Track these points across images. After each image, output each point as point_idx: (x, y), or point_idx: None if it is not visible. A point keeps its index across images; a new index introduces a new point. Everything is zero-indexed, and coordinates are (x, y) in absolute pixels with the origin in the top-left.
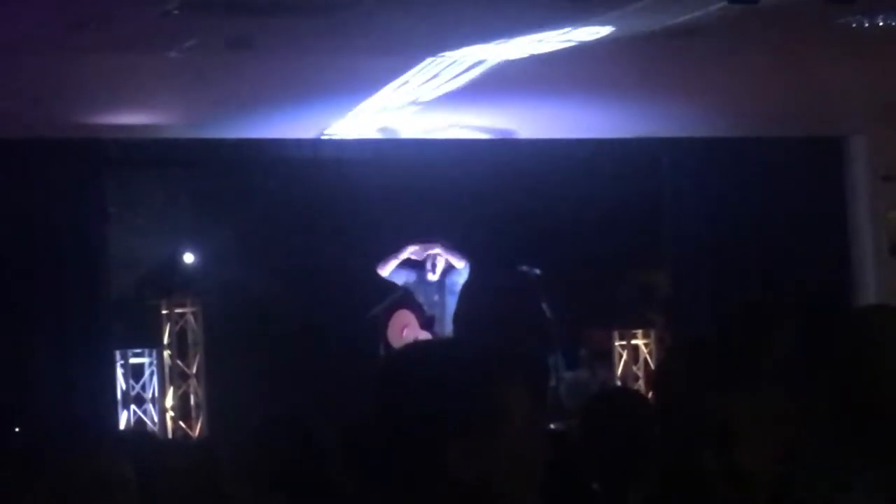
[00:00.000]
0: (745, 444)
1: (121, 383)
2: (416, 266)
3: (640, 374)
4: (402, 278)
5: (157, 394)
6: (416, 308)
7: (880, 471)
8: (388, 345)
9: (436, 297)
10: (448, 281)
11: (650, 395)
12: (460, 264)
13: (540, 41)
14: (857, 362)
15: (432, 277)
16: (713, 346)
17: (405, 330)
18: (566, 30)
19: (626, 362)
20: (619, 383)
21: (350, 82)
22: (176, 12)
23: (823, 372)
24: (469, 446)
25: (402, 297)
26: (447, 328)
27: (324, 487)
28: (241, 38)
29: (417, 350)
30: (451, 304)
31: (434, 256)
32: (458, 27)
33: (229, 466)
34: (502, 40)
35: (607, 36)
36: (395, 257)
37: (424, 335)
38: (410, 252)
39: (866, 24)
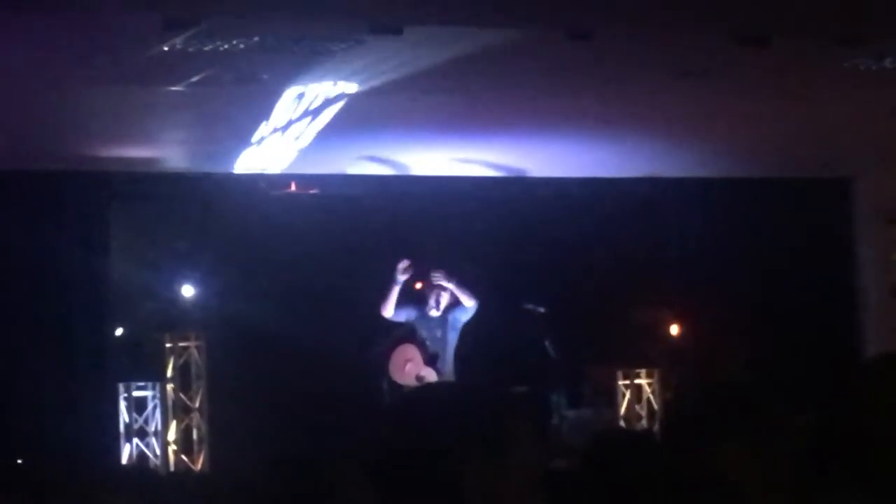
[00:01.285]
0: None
1: (124, 416)
2: (420, 301)
3: (643, 413)
4: (404, 315)
5: (159, 427)
6: (419, 343)
7: None
8: (391, 380)
9: (438, 333)
10: (451, 317)
11: (654, 434)
12: (469, 303)
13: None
14: (862, 414)
15: (435, 313)
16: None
17: (408, 365)
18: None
19: (629, 401)
20: (622, 423)
21: (351, 117)
22: (179, 47)
23: (830, 424)
24: (472, 486)
25: (405, 333)
26: (449, 365)
27: None
28: (249, 72)
29: (421, 393)
30: (453, 340)
31: (439, 291)
32: (469, 64)
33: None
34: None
35: (617, 74)
36: (397, 284)
37: (427, 371)
38: (417, 285)
39: (874, 67)
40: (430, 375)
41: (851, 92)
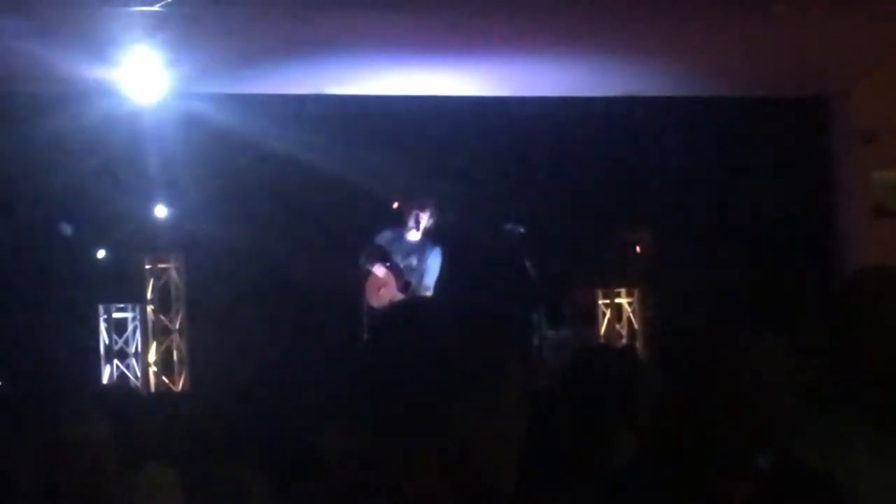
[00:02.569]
0: (746, 400)
1: (104, 338)
2: (396, 222)
3: (624, 332)
4: (380, 237)
5: (139, 348)
6: (394, 268)
7: (878, 433)
8: (367, 304)
9: (414, 262)
10: (430, 243)
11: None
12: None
13: None
14: (852, 326)
15: (414, 236)
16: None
17: (381, 290)
18: None
19: (609, 321)
20: (602, 342)
21: (338, 38)
22: None
23: (821, 334)
24: (458, 409)
25: (379, 255)
26: (423, 289)
27: (306, 450)
28: None
29: (403, 310)
30: (432, 269)
31: (418, 213)
32: None
33: (212, 424)
34: None
35: None
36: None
37: (399, 297)
38: (395, 206)
39: None
40: (399, 297)
41: (828, 9)
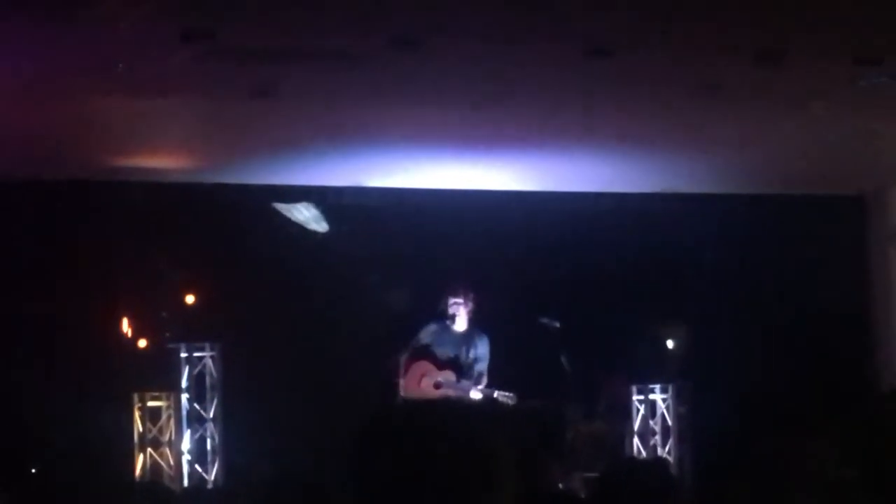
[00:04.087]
0: None
1: (138, 426)
2: (440, 315)
3: (658, 428)
4: (430, 330)
5: (173, 437)
6: (433, 357)
7: None
8: (402, 397)
9: (464, 350)
10: (477, 331)
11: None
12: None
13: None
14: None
15: (460, 327)
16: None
17: (423, 379)
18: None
19: (643, 416)
20: (636, 438)
21: (377, 131)
22: (196, 58)
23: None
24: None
25: (419, 349)
26: (477, 376)
27: None
28: (267, 86)
29: (427, 408)
30: (482, 353)
31: (457, 307)
32: (487, 78)
33: None
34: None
35: (632, 90)
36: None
37: (445, 374)
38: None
39: (889, 84)
40: (449, 377)
41: (865, 109)
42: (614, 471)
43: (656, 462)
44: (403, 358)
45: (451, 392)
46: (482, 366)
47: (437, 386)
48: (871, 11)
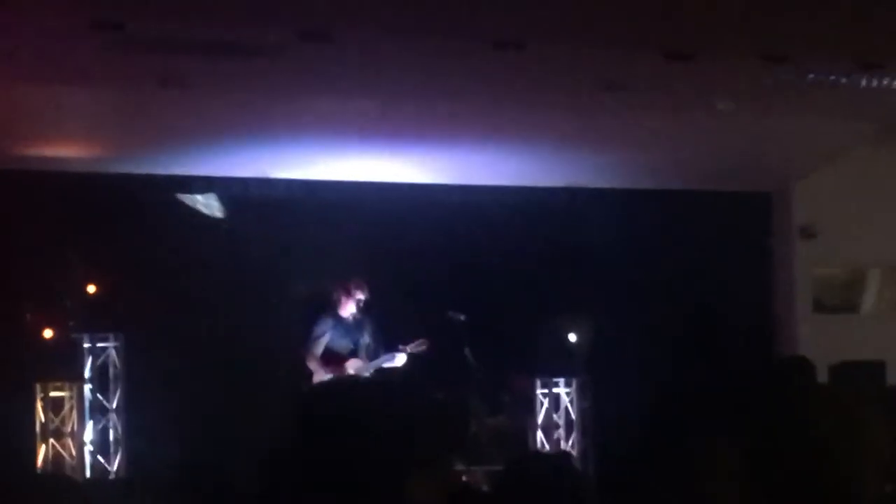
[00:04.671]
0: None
1: (40, 416)
2: (333, 307)
3: (561, 422)
4: (322, 327)
5: (76, 428)
6: (336, 351)
7: None
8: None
9: (356, 336)
10: (364, 321)
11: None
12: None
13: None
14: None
15: (350, 314)
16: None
17: (332, 375)
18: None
19: (546, 410)
20: (539, 432)
21: (284, 123)
22: (106, 48)
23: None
24: (386, 490)
25: (322, 343)
26: (366, 369)
27: None
28: (175, 76)
29: (336, 389)
30: (370, 339)
31: (357, 294)
32: (396, 70)
33: None
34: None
35: (539, 84)
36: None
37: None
38: (336, 291)
39: (796, 82)
40: (357, 364)
41: (772, 107)
42: (517, 464)
43: (560, 456)
44: (308, 356)
45: (365, 376)
46: (379, 342)
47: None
48: (778, 10)
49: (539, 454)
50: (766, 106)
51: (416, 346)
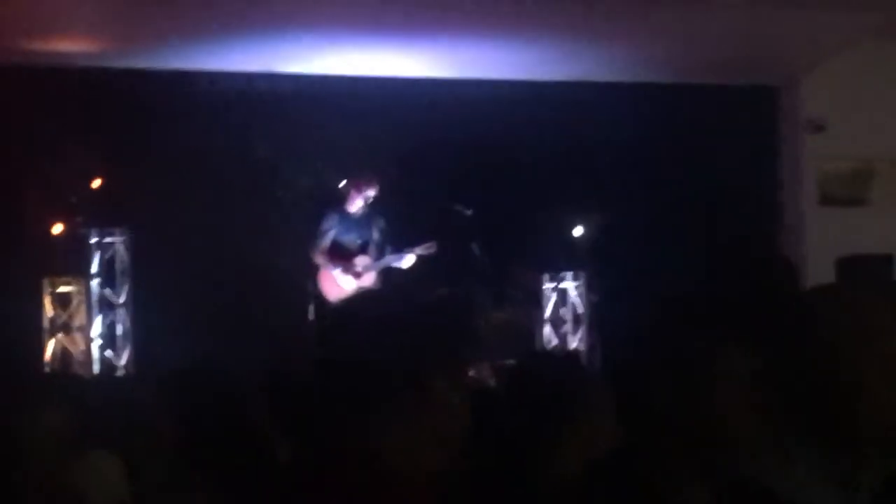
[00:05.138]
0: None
1: (48, 311)
2: (340, 202)
3: (569, 316)
4: (332, 219)
5: (84, 323)
6: (344, 247)
7: (826, 457)
8: (319, 294)
9: (364, 232)
10: (372, 216)
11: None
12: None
13: None
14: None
15: (357, 209)
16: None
17: (341, 272)
18: None
19: (554, 304)
20: (547, 326)
21: (289, 15)
22: None
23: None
24: (396, 408)
25: (329, 239)
26: (374, 267)
27: (245, 438)
28: None
29: (348, 308)
30: (379, 235)
31: (364, 189)
32: None
33: (154, 404)
34: None
35: None
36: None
37: (363, 272)
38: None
39: None
40: (365, 261)
41: None
42: (523, 364)
43: (567, 355)
44: (314, 250)
45: (372, 273)
46: (387, 240)
47: (357, 275)
48: None
49: (546, 353)
50: None
51: (425, 249)
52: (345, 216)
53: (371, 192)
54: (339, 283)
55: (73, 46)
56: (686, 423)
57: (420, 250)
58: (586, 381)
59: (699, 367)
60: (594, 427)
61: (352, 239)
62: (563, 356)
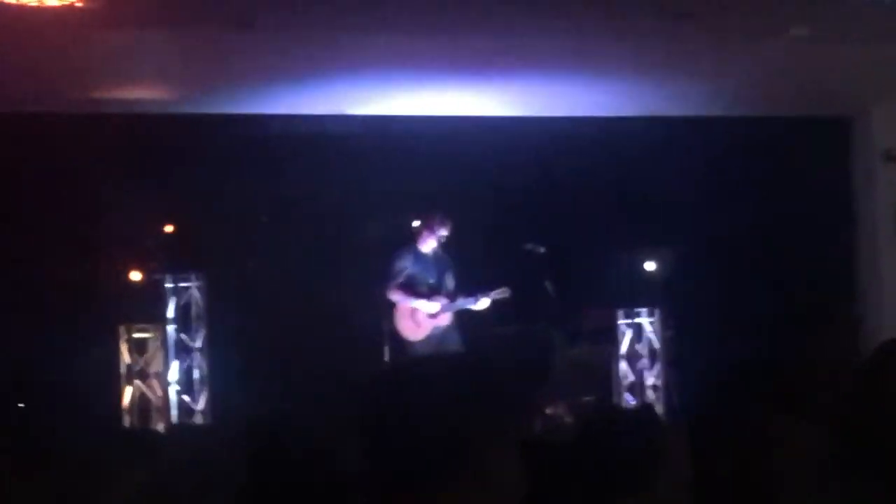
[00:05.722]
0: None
1: (125, 358)
2: (414, 240)
3: (644, 352)
4: (403, 261)
5: (161, 368)
6: (420, 287)
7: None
8: (394, 333)
9: (438, 273)
10: (444, 257)
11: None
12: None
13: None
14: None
15: (430, 249)
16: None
17: (417, 312)
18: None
19: (630, 340)
20: (623, 362)
21: (357, 59)
22: None
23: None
24: (472, 431)
25: (404, 277)
26: (449, 308)
27: (325, 486)
28: (245, 17)
29: (423, 349)
30: (451, 276)
31: (437, 229)
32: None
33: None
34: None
35: (614, 13)
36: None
37: (439, 314)
38: (416, 225)
39: (873, 4)
40: (442, 301)
41: (850, 30)
42: (597, 421)
43: (642, 408)
44: (389, 288)
45: (448, 315)
46: (461, 281)
47: (433, 315)
48: None
49: (619, 409)
50: (844, 30)
51: (499, 294)
52: (419, 255)
53: (444, 232)
54: (414, 322)
55: (147, 93)
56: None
57: (494, 295)
58: (660, 441)
59: (772, 400)
60: (665, 484)
61: (425, 279)
62: (638, 410)
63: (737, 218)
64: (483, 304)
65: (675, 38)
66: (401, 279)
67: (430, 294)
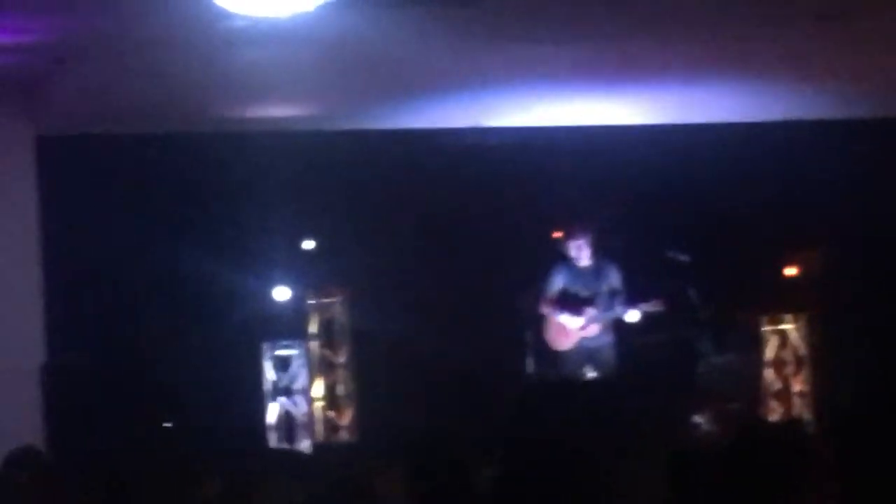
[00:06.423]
0: None
1: (269, 375)
2: (563, 254)
3: (790, 359)
4: (560, 273)
5: (305, 385)
6: (572, 299)
7: None
8: (544, 345)
9: (592, 284)
10: (601, 266)
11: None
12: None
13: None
14: None
15: (584, 264)
16: None
17: (568, 325)
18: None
19: (776, 347)
20: (768, 368)
21: (497, 71)
22: None
23: None
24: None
25: (558, 291)
26: (599, 319)
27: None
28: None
29: (560, 384)
30: (608, 286)
31: (583, 242)
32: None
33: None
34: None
35: (753, 17)
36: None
37: (589, 325)
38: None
39: None
40: (592, 313)
41: None
42: (744, 438)
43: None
44: (543, 304)
45: (597, 326)
46: (619, 293)
47: (584, 327)
48: None
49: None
50: None
51: (652, 306)
52: (571, 268)
53: (594, 244)
54: (566, 334)
55: (288, 111)
56: None
57: (647, 307)
58: (808, 455)
59: None
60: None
61: (579, 291)
62: (784, 427)
63: (882, 220)
64: (634, 315)
65: (814, 41)
66: (554, 293)
67: (582, 307)
